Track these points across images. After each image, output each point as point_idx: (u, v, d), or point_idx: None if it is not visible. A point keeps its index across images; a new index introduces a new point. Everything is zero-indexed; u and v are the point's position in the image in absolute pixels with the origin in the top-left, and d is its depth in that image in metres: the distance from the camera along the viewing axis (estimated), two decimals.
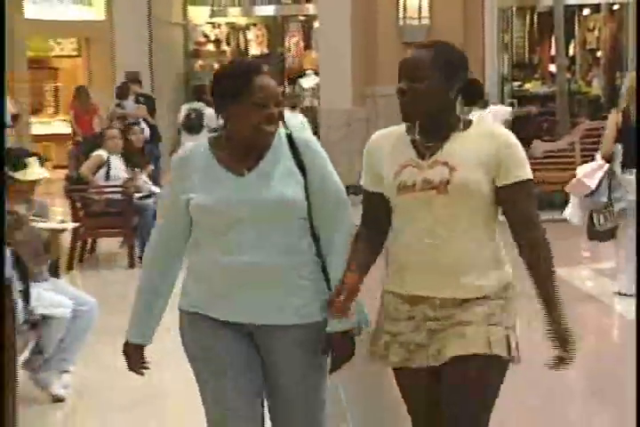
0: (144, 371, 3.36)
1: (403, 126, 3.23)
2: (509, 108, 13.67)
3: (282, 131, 3.23)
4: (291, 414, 3.27)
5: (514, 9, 17.34)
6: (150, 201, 10.06)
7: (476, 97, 3.21)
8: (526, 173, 3.11)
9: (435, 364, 3.12)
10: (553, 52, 16.69)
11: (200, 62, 19.24)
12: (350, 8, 14.88)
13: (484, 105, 13.22)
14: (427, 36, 14.59)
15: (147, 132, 13.24)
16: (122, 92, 15.03)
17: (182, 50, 18.97)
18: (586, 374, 6.09)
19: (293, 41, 19.65)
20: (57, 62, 20.41)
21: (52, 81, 20.51)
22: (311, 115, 16.46)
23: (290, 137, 3.23)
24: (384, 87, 13.68)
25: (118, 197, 10.02)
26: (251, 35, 20.11)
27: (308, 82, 17.94)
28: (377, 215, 3.24)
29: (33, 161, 5.93)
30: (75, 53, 19.95)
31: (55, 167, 15.78)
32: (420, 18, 14.88)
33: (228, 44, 20.19)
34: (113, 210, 10.00)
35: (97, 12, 18.41)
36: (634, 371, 4.98)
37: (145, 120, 14.17)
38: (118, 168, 10.20)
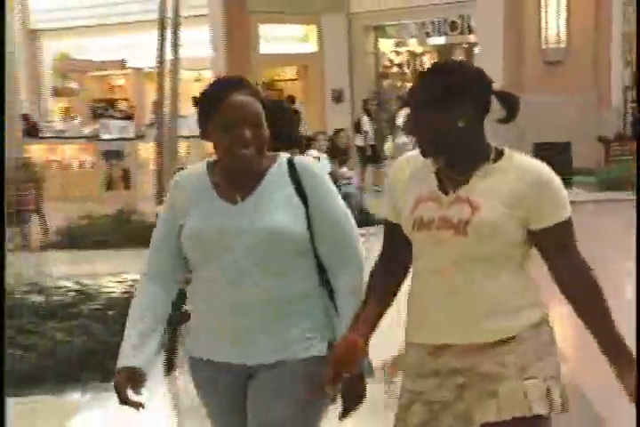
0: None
1: None
2: None
3: (283, 155, 2.32)
4: None
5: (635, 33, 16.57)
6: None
7: (507, 113, 2.15)
8: (565, 213, 2.10)
9: None
10: None
11: (387, 82, 19.20)
12: (502, 36, 14.63)
13: None
14: (564, 55, 14.17)
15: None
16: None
17: (374, 72, 18.97)
18: None
19: None
20: (282, 85, 20.68)
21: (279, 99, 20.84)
22: None
23: (291, 162, 2.29)
24: (531, 97, 13.45)
25: None
26: (425, 59, 19.93)
27: None
28: (397, 249, 2.24)
29: None
30: (295, 77, 20.16)
31: None
32: (558, 42, 14.56)
33: (408, 67, 20.06)
34: None
35: (311, 46, 18.56)
36: None
37: None
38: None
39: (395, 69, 20.00)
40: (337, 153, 10.79)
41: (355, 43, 17.90)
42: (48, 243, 9.54)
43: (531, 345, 2.11)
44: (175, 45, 9.32)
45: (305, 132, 15.90)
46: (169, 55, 9.33)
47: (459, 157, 2.12)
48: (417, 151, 2.18)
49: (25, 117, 14.57)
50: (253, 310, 2.22)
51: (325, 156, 10.38)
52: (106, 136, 14.45)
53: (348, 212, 2.31)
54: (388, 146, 14.54)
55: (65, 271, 7.72)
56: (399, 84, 19.20)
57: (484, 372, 2.10)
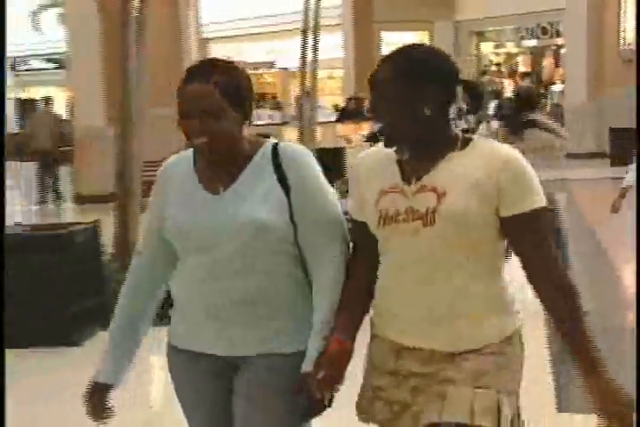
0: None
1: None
2: None
3: (269, 141, 1.82)
4: None
5: None
6: None
7: (473, 103, 1.72)
8: (536, 200, 1.61)
9: None
10: None
11: (486, 78, 18.87)
12: (586, 39, 14.12)
13: None
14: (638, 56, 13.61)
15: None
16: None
17: (476, 70, 18.68)
18: None
19: (548, 62, 18.75)
20: None
21: None
22: (560, 108, 16.00)
23: (275, 149, 1.79)
24: (610, 90, 13.20)
25: None
26: (520, 59, 19.41)
27: (556, 87, 17.26)
28: (367, 249, 1.73)
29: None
30: None
31: None
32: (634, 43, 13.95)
33: (505, 66, 19.61)
34: None
35: None
36: None
37: None
38: None
39: (493, 68, 19.58)
40: None
41: (460, 46, 17.79)
42: None
43: (495, 358, 1.63)
44: (315, 49, 9.52)
45: None
46: (310, 57, 9.53)
47: (423, 146, 1.66)
48: (378, 146, 1.72)
49: None
50: (234, 305, 1.76)
51: None
52: (258, 122, 14.98)
53: (335, 201, 1.79)
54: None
55: None
56: (496, 79, 18.89)
57: (443, 377, 1.63)
